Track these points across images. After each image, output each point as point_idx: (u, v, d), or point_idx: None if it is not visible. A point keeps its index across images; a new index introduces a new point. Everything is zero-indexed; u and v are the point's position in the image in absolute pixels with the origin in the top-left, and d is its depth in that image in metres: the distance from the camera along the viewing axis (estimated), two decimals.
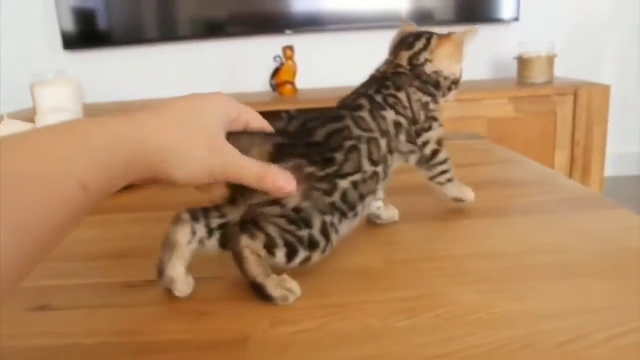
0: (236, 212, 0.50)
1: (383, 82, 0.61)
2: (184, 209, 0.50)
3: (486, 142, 1.10)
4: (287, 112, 2.30)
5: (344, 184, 0.51)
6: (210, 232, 0.49)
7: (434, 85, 0.64)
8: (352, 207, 0.52)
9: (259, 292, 0.47)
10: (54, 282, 0.55)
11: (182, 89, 2.54)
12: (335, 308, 0.46)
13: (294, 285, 0.48)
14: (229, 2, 2.51)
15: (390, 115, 0.58)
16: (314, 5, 2.48)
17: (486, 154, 1.00)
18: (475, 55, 2.57)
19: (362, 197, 0.53)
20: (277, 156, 0.48)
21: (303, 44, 2.46)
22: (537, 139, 2.19)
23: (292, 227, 0.48)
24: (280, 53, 2.35)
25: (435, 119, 0.63)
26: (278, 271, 0.48)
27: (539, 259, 0.54)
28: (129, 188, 0.88)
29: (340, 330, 0.43)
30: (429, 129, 0.62)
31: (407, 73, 0.63)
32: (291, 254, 0.48)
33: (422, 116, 0.62)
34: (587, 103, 2.17)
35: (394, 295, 0.48)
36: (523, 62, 2.31)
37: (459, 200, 0.67)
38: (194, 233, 0.49)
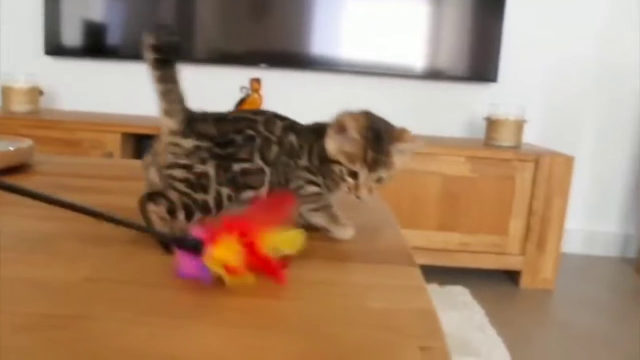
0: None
1: (317, 124, 0.68)
2: None
3: None
4: None
5: (236, 167, 0.61)
6: None
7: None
8: (240, 190, 0.61)
9: (166, 248, 0.55)
10: None
11: (150, 108, 2.55)
12: None
13: None
14: (208, 31, 2.53)
15: (293, 138, 0.66)
16: (303, 46, 2.48)
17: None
18: (455, 113, 2.54)
19: (248, 186, 0.62)
20: (186, 127, 0.60)
21: (277, 79, 2.46)
22: (492, 202, 2.12)
23: (190, 191, 0.59)
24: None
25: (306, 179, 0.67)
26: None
27: (226, 301, 0.48)
28: None
29: None
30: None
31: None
32: (189, 215, 0.59)
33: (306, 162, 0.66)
34: (548, 172, 2.10)
35: (20, 309, 0.43)
36: (491, 124, 2.26)
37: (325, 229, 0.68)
38: None
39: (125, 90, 2.59)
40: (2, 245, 0.59)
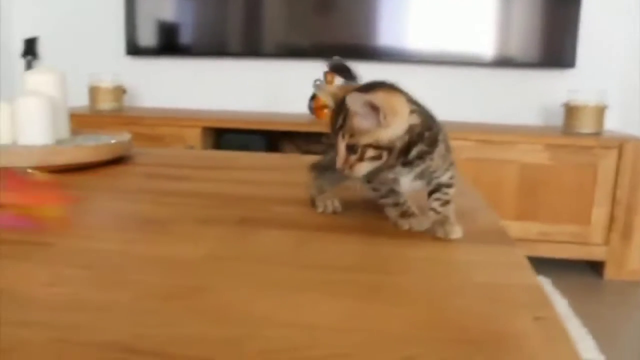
0: None
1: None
2: None
3: None
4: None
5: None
6: None
7: None
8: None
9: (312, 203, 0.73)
10: None
11: (226, 103, 2.63)
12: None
13: (334, 203, 0.72)
14: (278, 26, 2.58)
15: None
16: (370, 38, 2.50)
17: None
18: (528, 100, 2.48)
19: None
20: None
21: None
22: (573, 191, 2.06)
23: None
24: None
25: None
26: None
27: (343, 276, 0.51)
28: None
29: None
30: None
31: None
32: None
33: None
34: (633, 159, 2.01)
35: (152, 280, 0.47)
36: (569, 110, 2.19)
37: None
38: None
39: (198, 86, 2.69)
40: (126, 227, 0.64)
